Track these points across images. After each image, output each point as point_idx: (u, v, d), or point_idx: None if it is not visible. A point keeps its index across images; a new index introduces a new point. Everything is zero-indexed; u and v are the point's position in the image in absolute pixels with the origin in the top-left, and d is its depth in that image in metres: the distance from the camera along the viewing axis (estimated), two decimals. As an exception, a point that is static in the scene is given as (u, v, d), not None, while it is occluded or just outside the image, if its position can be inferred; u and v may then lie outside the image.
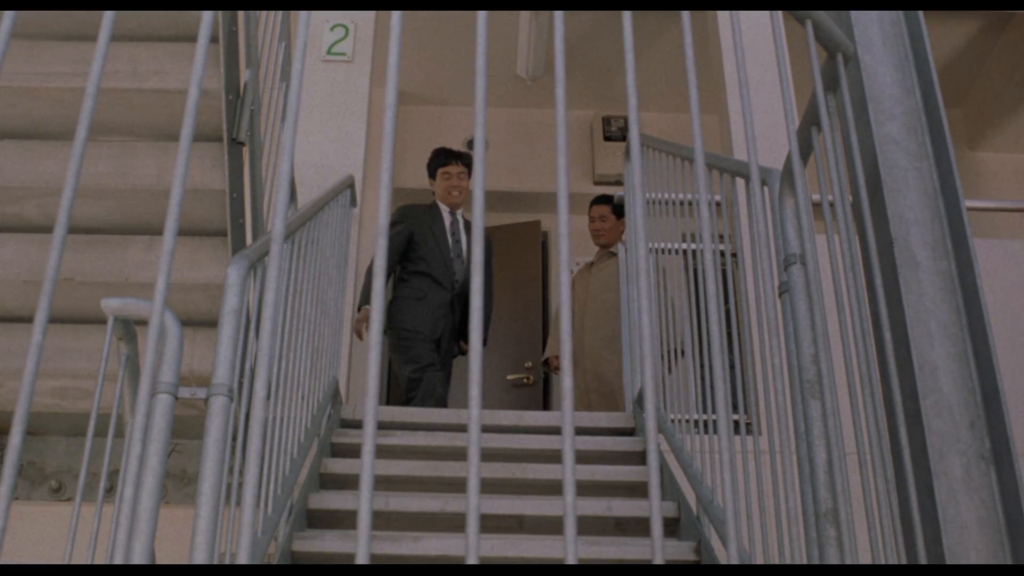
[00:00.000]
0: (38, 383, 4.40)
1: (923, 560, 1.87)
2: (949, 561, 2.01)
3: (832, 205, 2.25)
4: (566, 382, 1.23)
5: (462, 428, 4.57)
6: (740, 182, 3.64)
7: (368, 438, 1.09)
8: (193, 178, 3.83)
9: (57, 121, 3.90)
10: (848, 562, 1.81)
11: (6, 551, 4.38)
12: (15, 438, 1.15)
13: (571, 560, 1.08)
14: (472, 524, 1.06)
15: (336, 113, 6.45)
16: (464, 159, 6.21)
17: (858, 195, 2.29)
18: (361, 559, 0.98)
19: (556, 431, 4.36)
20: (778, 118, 5.44)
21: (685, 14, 1.65)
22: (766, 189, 3.13)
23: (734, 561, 1.21)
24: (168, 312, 2.20)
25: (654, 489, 1.11)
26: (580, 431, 4.68)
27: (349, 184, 5.18)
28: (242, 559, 1.13)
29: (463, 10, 7.72)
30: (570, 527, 1.08)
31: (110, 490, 4.19)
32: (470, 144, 8.85)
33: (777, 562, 2.88)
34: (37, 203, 4.02)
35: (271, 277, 1.24)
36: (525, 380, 7.69)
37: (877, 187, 2.39)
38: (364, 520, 1.03)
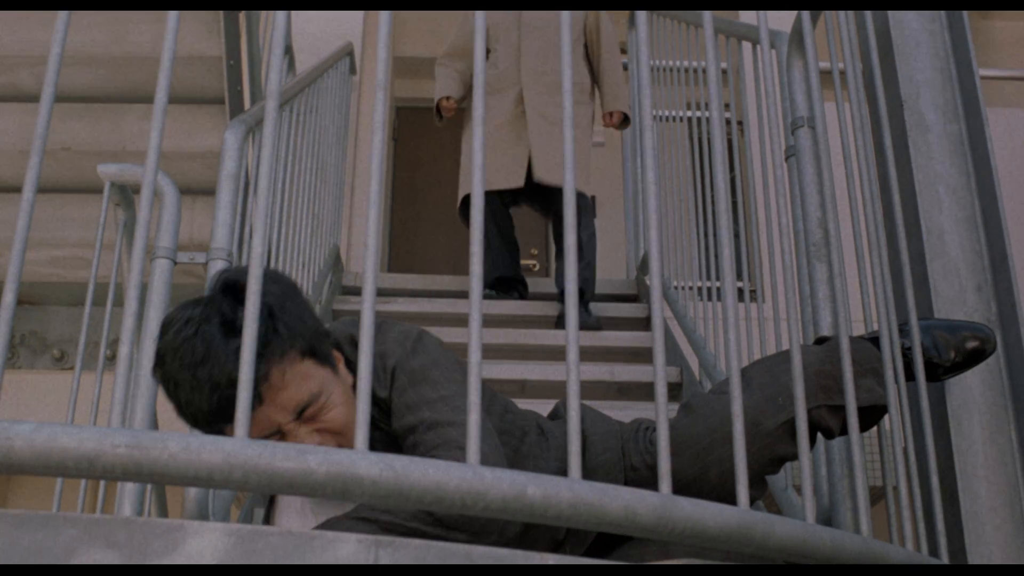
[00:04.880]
0: (37, 253, 4.40)
1: (927, 424, 1.86)
2: (952, 424, 2.01)
3: (842, 69, 2.20)
4: (570, 239, 1.20)
5: (463, 295, 4.57)
6: (747, 47, 3.57)
7: (368, 294, 1.07)
8: (189, 44, 3.76)
9: (49, -11, 3.83)
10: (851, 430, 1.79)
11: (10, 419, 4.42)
12: (8, 297, 1.13)
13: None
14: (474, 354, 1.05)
15: (335, -21, 6.32)
16: None
17: (868, 55, 2.24)
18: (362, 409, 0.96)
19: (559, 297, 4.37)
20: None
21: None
22: (774, 52, 3.07)
23: (738, 418, 1.19)
24: (163, 175, 2.17)
25: (658, 343, 1.10)
26: (583, 298, 4.67)
27: (348, 52, 5.10)
28: (240, 424, 1.11)
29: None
30: (573, 383, 1.06)
31: (112, 358, 4.20)
32: None
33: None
34: (31, 71, 3.97)
35: (267, 133, 1.21)
36: (531, 267, 7.61)
37: (888, 48, 2.34)
38: (364, 377, 1.01)
